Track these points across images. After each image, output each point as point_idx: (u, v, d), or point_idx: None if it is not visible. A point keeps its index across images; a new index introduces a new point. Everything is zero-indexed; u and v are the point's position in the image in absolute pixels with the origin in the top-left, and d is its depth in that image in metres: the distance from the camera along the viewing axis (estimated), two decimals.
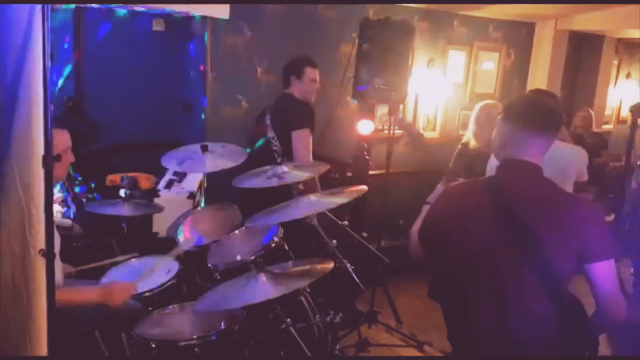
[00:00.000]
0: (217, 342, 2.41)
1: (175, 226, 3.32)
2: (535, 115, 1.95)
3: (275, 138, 3.64)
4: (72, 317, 2.33)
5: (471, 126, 4.30)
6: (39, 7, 1.71)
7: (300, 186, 2.72)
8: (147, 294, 2.74)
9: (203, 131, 4.33)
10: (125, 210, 3.20)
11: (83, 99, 4.45)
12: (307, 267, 2.44)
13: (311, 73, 3.72)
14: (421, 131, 5.04)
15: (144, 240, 3.45)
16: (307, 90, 3.73)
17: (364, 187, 2.62)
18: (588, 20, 5.79)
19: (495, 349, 1.92)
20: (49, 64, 1.72)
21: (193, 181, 3.69)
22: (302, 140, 3.49)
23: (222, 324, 2.49)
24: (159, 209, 3.34)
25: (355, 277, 2.75)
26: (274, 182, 2.81)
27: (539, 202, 1.89)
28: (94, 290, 2.58)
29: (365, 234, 3.75)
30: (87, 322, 2.53)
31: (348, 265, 2.76)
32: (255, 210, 2.79)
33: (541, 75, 6.11)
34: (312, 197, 2.58)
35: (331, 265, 2.39)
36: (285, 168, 2.88)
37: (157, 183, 3.65)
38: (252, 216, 2.73)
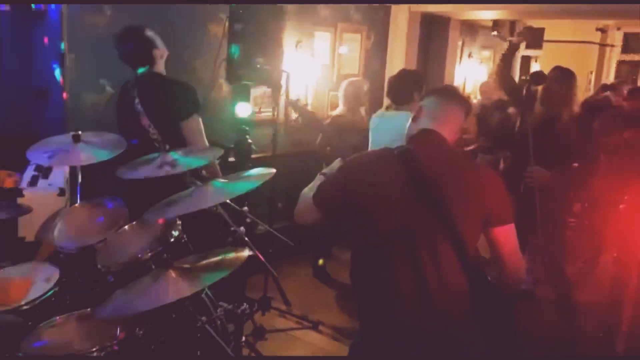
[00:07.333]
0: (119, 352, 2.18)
1: (46, 228, 2.97)
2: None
3: (152, 126, 3.18)
4: None
5: (341, 100, 4.65)
6: None
7: (204, 172, 2.53)
8: (25, 306, 2.42)
9: (63, 120, 3.91)
10: None
11: None
12: (218, 258, 2.28)
13: (154, 36, 3.33)
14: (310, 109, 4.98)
15: (9, 246, 3.03)
16: (163, 56, 3.35)
17: (273, 170, 2.49)
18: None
19: (415, 316, 1.95)
20: None
21: (60, 175, 3.31)
22: (195, 129, 3.18)
23: (119, 330, 2.26)
24: (27, 210, 2.94)
25: (267, 264, 2.65)
26: (165, 171, 2.59)
27: (446, 170, 1.98)
28: None
29: (246, 208, 3.53)
30: None
31: (258, 253, 2.64)
32: (145, 203, 2.56)
33: (399, 55, 6.36)
34: (217, 184, 2.40)
35: (246, 253, 2.25)
36: (176, 155, 2.68)
37: (19, 180, 3.21)
38: (145, 209, 2.49)
